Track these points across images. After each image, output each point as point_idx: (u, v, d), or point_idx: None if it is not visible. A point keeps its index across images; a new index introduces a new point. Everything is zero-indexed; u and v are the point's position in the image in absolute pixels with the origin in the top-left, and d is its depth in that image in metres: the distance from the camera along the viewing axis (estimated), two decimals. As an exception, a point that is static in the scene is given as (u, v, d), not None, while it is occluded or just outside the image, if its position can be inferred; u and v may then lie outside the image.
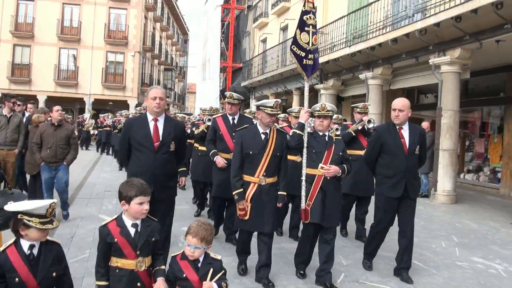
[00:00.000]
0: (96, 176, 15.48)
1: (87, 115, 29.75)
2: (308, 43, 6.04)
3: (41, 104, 34.19)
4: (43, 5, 38.35)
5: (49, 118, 9.61)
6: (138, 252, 3.66)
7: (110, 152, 24.22)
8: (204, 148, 9.07)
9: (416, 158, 6.22)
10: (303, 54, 6.05)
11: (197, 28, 42.11)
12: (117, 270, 3.66)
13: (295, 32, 6.07)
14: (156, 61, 49.43)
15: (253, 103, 28.96)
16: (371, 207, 6.75)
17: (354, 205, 8.49)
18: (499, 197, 14.46)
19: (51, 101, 34.20)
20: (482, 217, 11.03)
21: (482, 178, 16.28)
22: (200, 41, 38.56)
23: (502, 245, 8.50)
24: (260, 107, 5.86)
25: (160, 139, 5.53)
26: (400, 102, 6.12)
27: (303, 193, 5.92)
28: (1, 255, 3.31)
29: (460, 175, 16.88)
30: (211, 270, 3.70)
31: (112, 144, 22.81)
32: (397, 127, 6.15)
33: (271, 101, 5.81)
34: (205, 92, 33.97)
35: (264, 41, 31.66)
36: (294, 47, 6.09)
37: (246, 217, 5.72)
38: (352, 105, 8.91)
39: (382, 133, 6.27)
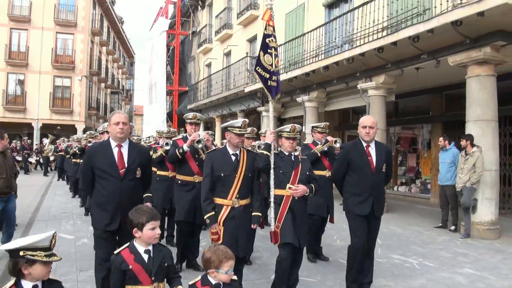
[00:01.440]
0: (50, 200, 16.10)
1: (46, 140, 29.78)
2: (271, 65, 6.15)
3: (-12, 130, 34.23)
4: (-11, 31, 38.25)
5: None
6: (153, 278, 3.71)
7: (65, 178, 22.92)
8: (163, 173, 9.04)
9: (382, 176, 6.24)
10: (267, 75, 6.13)
11: (143, 51, 42.69)
12: None
13: (259, 54, 6.18)
14: (103, 85, 49.76)
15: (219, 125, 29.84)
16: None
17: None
18: (429, 206, 15.79)
19: (-1, 126, 34.34)
20: (408, 223, 12.20)
21: (414, 190, 17.70)
22: (145, 65, 39.23)
23: (421, 244, 9.65)
24: (228, 128, 5.74)
25: (126, 165, 5.35)
26: (370, 119, 6.17)
27: (272, 215, 5.87)
28: None
29: (394, 187, 18.34)
30: None
31: (65, 170, 21.77)
32: (364, 145, 6.14)
33: (238, 121, 5.70)
34: (152, 115, 34.58)
35: (208, 65, 32.72)
36: (258, 69, 6.15)
37: (220, 242, 5.41)
38: (311, 125, 9.09)
39: (350, 150, 6.26)
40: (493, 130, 10.70)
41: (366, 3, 13.78)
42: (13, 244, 3.15)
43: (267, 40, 6.19)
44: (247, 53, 24.60)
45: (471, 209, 10.51)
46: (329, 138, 8.36)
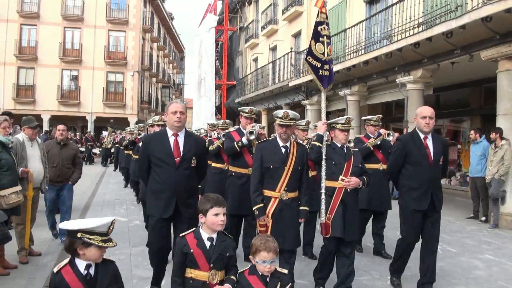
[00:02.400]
0: (105, 187, 17.34)
1: (105, 133, 30.65)
2: (323, 54, 5.96)
3: (45, 123, 36.04)
4: (45, 29, 40.18)
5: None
6: (211, 265, 3.77)
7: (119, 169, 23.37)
8: (218, 165, 8.79)
9: (439, 169, 6.09)
10: (319, 64, 5.96)
11: (192, 46, 43.88)
12: (191, 281, 3.81)
13: (310, 43, 6.04)
14: (154, 79, 51.23)
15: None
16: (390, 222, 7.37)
17: (370, 220, 8.34)
18: (467, 198, 15.98)
19: (55, 119, 36.05)
20: (442, 214, 12.53)
21: (454, 182, 17.97)
22: (194, 61, 40.19)
23: (449, 233, 10.05)
24: (275, 118, 5.71)
25: (181, 154, 5.38)
26: (429, 110, 6.00)
27: (323, 206, 5.77)
28: (56, 276, 3.27)
29: (434, 180, 18.60)
30: (279, 284, 3.83)
31: (119, 160, 21.73)
32: (422, 137, 5.97)
33: (280, 112, 5.64)
34: (201, 109, 35.47)
35: (255, 60, 33.49)
36: (309, 58, 5.99)
37: (268, 233, 5.19)
38: (363, 118, 8.91)
39: (407, 142, 6.06)
40: (523, 124, 11.04)
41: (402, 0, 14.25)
42: (74, 225, 3.32)
43: (319, 28, 6.03)
44: (291, 48, 25.13)
45: (500, 200, 10.89)
46: (382, 131, 8.19)
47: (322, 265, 5.98)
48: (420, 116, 5.98)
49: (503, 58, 11.09)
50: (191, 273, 3.80)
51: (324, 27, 6.04)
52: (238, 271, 3.93)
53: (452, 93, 17.65)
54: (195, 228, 4.00)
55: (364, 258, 7.84)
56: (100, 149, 31.99)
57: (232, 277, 3.88)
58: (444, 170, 6.28)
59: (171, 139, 5.41)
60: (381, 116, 8.57)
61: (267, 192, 5.52)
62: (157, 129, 8.59)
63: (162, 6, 51.12)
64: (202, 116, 33.26)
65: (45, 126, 35.19)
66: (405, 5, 14.08)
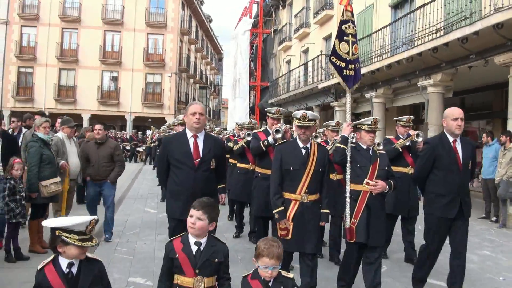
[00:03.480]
0: (140, 183, 18.38)
1: (149, 132, 31.29)
2: (347, 53, 5.79)
3: (85, 122, 37.33)
4: (86, 33, 41.76)
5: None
6: (197, 271, 3.64)
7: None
8: (243, 165, 8.80)
9: (469, 174, 5.84)
10: (343, 64, 5.78)
11: (229, 47, 44.98)
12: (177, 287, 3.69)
13: (334, 43, 5.87)
14: (191, 80, 52.24)
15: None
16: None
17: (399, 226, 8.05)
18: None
19: (95, 119, 37.26)
20: None
21: (476, 184, 18.24)
22: (230, 62, 41.00)
23: None
24: (294, 119, 5.59)
25: (201, 156, 5.33)
26: (460, 111, 5.75)
27: (347, 210, 5.60)
28: (39, 273, 3.27)
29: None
30: None
31: (153, 158, 23.84)
32: (451, 140, 5.74)
33: (298, 113, 5.49)
34: (236, 109, 36.43)
35: (288, 62, 34.07)
36: (333, 58, 5.83)
37: (289, 237, 5.30)
38: (395, 119, 8.63)
39: (436, 146, 5.79)
40: (533, 127, 11.41)
41: (424, 5, 14.74)
42: (51, 222, 3.31)
43: (343, 27, 5.87)
44: (321, 51, 25.66)
45: (509, 201, 11.27)
46: (412, 132, 7.84)
47: (344, 271, 5.79)
48: (451, 118, 5.69)
49: (515, 64, 11.52)
50: (177, 279, 3.70)
51: (349, 25, 5.89)
52: (243, 275, 3.81)
53: (475, 96, 17.97)
54: (184, 233, 3.87)
55: (394, 264, 7.65)
56: (144, 148, 32.91)
57: None
58: (472, 174, 6.02)
59: (191, 141, 5.38)
60: (412, 117, 8.31)
61: (287, 195, 5.40)
62: (180, 128, 8.76)
63: (200, 9, 52.10)
64: (237, 116, 34.00)
65: (85, 125, 36.48)
66: (426, 10, 14.54)
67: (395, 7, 19.44)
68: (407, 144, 7.69)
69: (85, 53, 41.61)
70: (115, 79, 42.89)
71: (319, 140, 7.94)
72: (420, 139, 7.61)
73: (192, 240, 3.73)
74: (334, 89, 22.53)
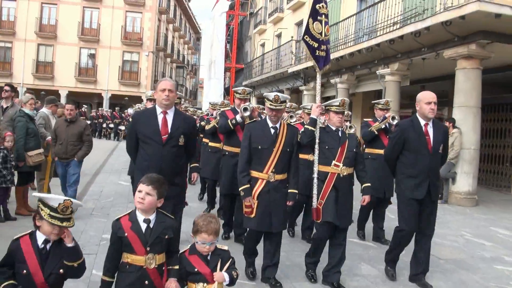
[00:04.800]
0: (115, 158, 19.31)
1: (131, 110, 32.01)
2: (320, 33, 5.69)
3: (63, 99, 37.89)
4: (65, 8, 42.19)
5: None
6: (148, 249, 3.58)
7: None
8: (215, 144, 8.81)
9: (439, 158, 5.88)
10: (316, 44, 5.70)
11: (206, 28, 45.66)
12: (127, 266, 3.61)
13: (308, 21, 5.74)
14: (168, 60, 52.87)
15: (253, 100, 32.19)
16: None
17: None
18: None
19: (72, 95, 38.12)
20: None
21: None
22: (207, 42, 41.81)
23: None
24: (264, 99, 5.59)
25: (169, 131, 5.28)
26: (434, 95, 5.73)
27: (314, 191, 5.64)
28: (13, 242, 3.38)
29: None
30: (220, 260, 3.78)
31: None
32: (423, 123, 5.75)
33: (271, 95, 5.47)
34: (211, 90, 37.09)
35: (263, 45, 35.00)
36: (306, 37, 5.72)
37: (253, 215, 5.36)
38: (373, 102, 8.71)
39: (406, 129, 5.83)
40: (474, 116, 12.67)
41: (384, -1, 15.90)
42: (38, 194, 3.47)
43: (317, 6, 5.76)
44: (292, 37, 26.65)
45: (451, 181, 12.59)
46: (387, 114, 7.93)
47: (314, 250, 5.85)
48: (424, 102, 5.69)
49: (460, 58, 12.71)
50: (127, 257, 3.62)
51: (322, 5, 5.79)
52: (180, 252, 3.87)
53: (434, 85, 19.11)
54: (131, 210, 3.83)
55: (360, 246, 7.79)
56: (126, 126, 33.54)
57: (176, 266, 3.79)
58: (443, 158, 6.06)
59: (160, 117, 5.33)
60: (390, 100, 8.64)
61: (254, 173, 5.47)
62: (150, 104, 8.42)
63: (179, -12, 52.61)
64: (212, 96, 34.77)
65: (63, 101, 36.97)
66: (387, 4, 15.62)
67: (361, -2, 20.49)
68: (382, 127, 7.83)
69: (63, 29, 42.03)
70: (92, 56, 43.37)
71: (293, 120, 8.29)
72: (395, 121, 7.74)
73: (140, 217, 3.69)
74: (303, 74, 23.56)
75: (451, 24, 12.07)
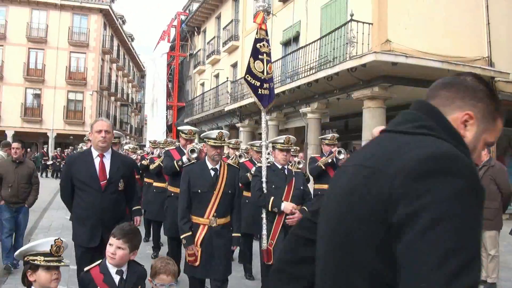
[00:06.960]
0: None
1: (85, 147, 32.20)
2: (262, 72, 5.67)
3: (9, 139, 38.02)
4: (10, 50, 42.47)
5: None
6: None
7: None
8: (160, 184, 8.47)
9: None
10: (258, 83, 5.67)
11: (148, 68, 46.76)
12: None
13: (249, 61, 5.73)
14: (112, 98, 53.36)
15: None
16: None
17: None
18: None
19: (18, 135, 38.22)
20: None
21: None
22: (149, 82, 43.04)
23: None
24: (204, 139, 5.34)
25: (107, 177, 4.92)
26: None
27: (264, 232, 5.51)
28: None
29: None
30: None
31: None
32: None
33: (214, 132, 5.28)
34: (154, 127, 38.53)
35: (202, 84, 36.39)
36: (248, 77, 5.69)
37: (197, 263, 5.08)
38: (320, 137, 8.77)
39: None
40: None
41: (304, 46, 17.90)
42: (19, 250, 3.31)
43: (258, 45, 5.80)
44: (227, 78, 28.49)
45: None
46: (333, 149, 7.93)
47: None
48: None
49: (366, 99, 14.75)
50: None
51: (263, 44, 5.82)
52: None
53: (352, 121, 21.10)
54: (100, 260, 3.66)
55: None
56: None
57: None
58: None
59: (96, 161, 4.98)
60: (336, 135, 8.54)
61: (195, 219, 5.19)
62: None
63: (122, 29, 53.72)
64: (155, 134, 35.98)
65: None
66: (306, 50, 17.60)
67: (285, 44, 22.52)
68: (329, 161, 7.81)
69: (9, 69, 42.38)
70: (38, 96, 43.86)
71: (242, 159, 8.29)
72: (342, 156, 7.73)
73: (112, 269, 3.54)
74: (238, 112, 25.31)
75: (356, 71, 14.03)
